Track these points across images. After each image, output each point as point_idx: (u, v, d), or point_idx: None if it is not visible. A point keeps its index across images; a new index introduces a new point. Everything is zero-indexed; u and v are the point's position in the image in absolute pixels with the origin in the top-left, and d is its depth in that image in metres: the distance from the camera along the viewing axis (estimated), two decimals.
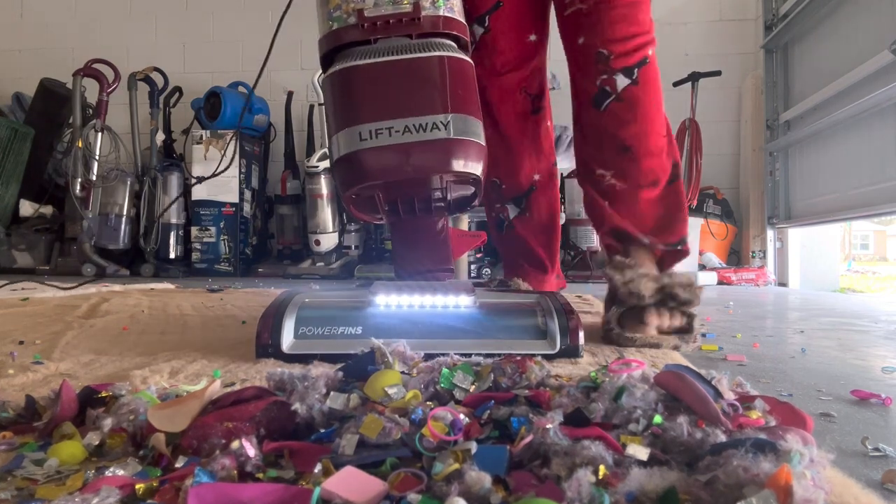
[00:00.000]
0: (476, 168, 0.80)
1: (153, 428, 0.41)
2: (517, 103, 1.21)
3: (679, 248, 1.03)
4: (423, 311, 0.78)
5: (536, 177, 1.26)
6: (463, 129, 0.78)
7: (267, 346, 0.75)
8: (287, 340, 0.75)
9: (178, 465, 0.37)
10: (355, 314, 0.77)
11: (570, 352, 0.76)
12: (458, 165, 0.78)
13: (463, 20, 0.87)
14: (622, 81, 0.99)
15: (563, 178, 3.03)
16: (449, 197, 0.88)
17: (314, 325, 0.76)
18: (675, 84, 2.99)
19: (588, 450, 0.35)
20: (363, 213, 0.88)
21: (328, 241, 3.15)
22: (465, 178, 0.82)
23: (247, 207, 3.33)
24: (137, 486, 0.34)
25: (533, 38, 1.17)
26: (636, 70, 1.00)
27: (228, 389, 0.51)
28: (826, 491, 0.32)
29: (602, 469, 0.33)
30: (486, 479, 0.32)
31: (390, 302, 0.79)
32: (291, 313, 0.77)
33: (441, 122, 0.77)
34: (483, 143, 0.81)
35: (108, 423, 0.43)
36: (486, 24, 1.14)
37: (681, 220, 1.04)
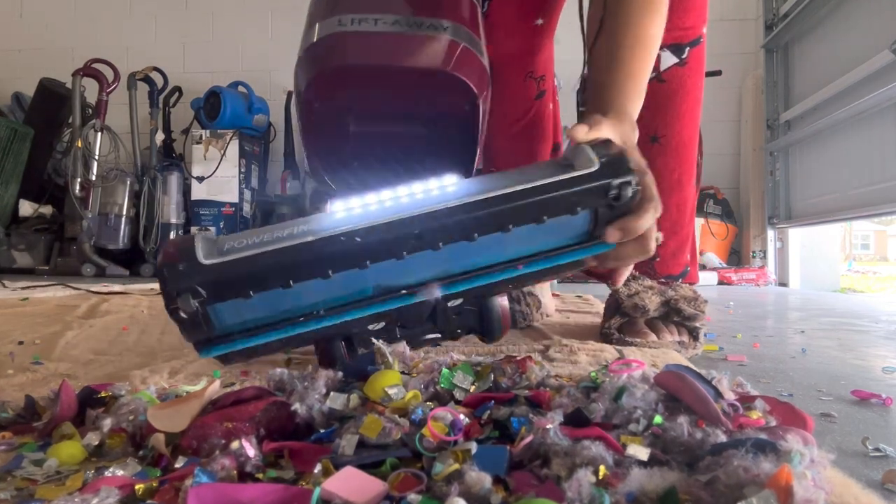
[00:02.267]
0: (475, 83, 0.65)
1: (153, 428, 0.41)
2: (521, 89, 1.15)
3: (679, 280, 0.97)
4: (408, 202, 0.54)
5: None
6: (467, 39, 0.67)
7: (175, 264, 0.50)
8: (205, 251, 0.51)
9: (178, 465, 0.37)
10: (303, 218, 0.54)
11: (616, 163, 0.54)
12: (457, 69, 0.64)
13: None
14: (668, 59, 0.88)
15: None
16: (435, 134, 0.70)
17: (244, 238, 0.52)
18: None
19: (588, 450, 0.35)
20: (321, 139, 0.67)
21: None
22: (458, 98, 0.66)
23: (246, 207, 3.33)
24: (137, 487, 0.34)
25: (539, 21, 1.11)
26: (687, 49, 0.87)
27: (228, 389, 0.50)
28: (826, 491, 0.32)
29: (602, 469, 0.33)
30: (487, 480, 0.32)
31: (352, 206, 0.54)
32: (205, 236, 0.53)
33: (441, 24, 0.66)
34: (487, 65, 0.69)
35: (107, 423, 0.43)
36: (485, 10, 1.09)
37: (684, 242, 0.96)
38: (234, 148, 3.21)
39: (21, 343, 0.89)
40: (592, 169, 0.54)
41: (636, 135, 0.68)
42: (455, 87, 0.65)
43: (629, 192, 0.55)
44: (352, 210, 0.54)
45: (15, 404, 0.51)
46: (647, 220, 0.57)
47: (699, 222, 3.07)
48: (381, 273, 0.53)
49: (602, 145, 0.57)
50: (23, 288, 1.93)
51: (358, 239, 0.51)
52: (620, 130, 0.64)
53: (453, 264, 0.55)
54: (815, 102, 2.76)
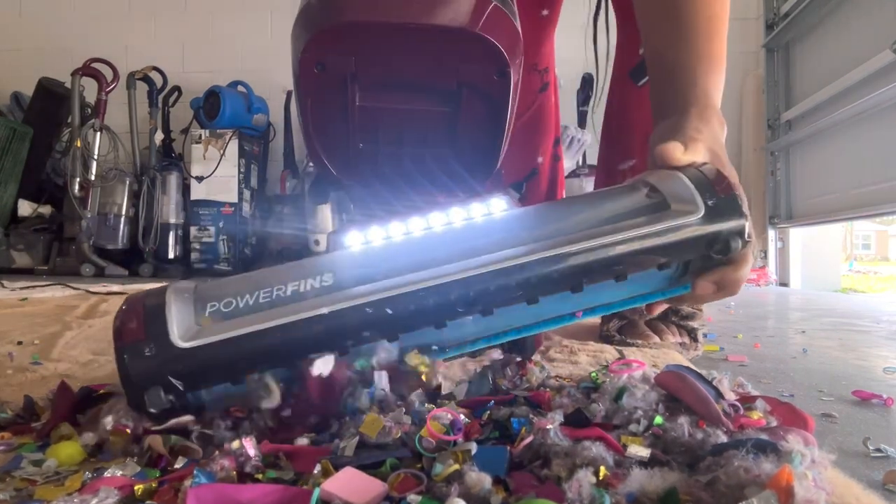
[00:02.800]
0: (506, 48, 0.53)
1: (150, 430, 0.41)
2: (525, 81, 1.14)
3: None
4: (447, 230, 0.45)
5: (539, 159, 1.21)
6: None
7: (138, 345, 0.42)
8: (181, 327, 0.41)
9: (178, 465, 0.37)
10: (313, 263, 0.44)
11: (727, 207, 0.44)
12: (486, 30, 0.52)
13: None
14: None
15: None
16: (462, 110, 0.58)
17: (235, 295, 0.42)
18: None
19: (588, 450, 0.35)
20: (320, 115, 0.57)
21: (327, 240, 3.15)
22: (486, 66, 0.54)
23: (246, 207, 3.32)
24: (136, 487, 0.34)
25: (545, 13, 1.10)
26: None
27: None
28: (827, 492, 0.31)
29: (602, 470, 0.33)
30: (487, 480, 0.32)
31: (372, 238, 0.46)
32: (182, 293, 0.44)
33: None
34: (519, 29, 0.59)
35: (107, 423, 0.43)
36: None
37: None
38: (233, 148, 3.21)
39: (20, 343, 0.89)
40: (697, 216, 0.43)
41: (724, 131, 0.56)
42: (483, 52, 0.53)
43: (738, 244, 0.44)
44: (374, 250, 0.42)
45: (14, 404, 0.51)
46: (747, 272, 0.47)
47: None
48: (412, 337, 0.43)
49: (703, 174, 0.45)
50: (22, 288, 1.92)
51: (389, 311, 0.40)
52: (711, 135, 0.53)
53: (502, 321, 0.46)
54: (816, 102, 2.76)
